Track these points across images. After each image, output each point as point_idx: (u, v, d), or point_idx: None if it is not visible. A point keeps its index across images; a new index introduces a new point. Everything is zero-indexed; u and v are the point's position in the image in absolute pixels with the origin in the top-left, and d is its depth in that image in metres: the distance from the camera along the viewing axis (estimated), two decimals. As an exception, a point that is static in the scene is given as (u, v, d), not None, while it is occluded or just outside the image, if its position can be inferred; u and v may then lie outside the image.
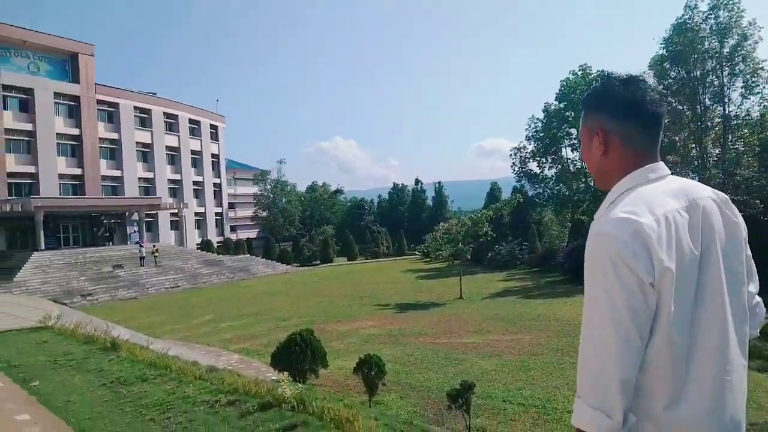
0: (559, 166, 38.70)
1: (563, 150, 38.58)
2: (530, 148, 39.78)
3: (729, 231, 1.41)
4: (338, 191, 75.84)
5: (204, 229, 51.05)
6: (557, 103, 38.14)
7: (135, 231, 40.35)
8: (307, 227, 62.20)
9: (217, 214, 53.82)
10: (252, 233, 58.91)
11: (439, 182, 57.33)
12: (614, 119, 1.44)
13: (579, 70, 37.73)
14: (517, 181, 41.65)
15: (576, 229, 28.55)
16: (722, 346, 1.35)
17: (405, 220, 57.49)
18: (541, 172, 38.97)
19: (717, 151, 30.03)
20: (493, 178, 53.70)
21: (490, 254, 32.61)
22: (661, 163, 1.43)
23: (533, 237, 33.65)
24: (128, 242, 39.87)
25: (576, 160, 38.34)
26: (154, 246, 35.81)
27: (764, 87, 27.51)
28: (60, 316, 9.44)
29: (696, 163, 30.35)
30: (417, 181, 60.22)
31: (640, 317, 1.25)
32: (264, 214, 59.01)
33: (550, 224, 42.76)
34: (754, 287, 1.49)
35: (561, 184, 39.16)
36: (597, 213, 1.40)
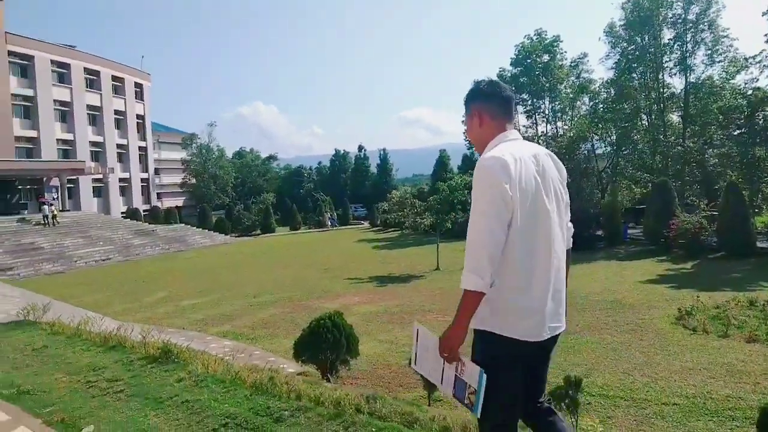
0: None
1: (517, 117, 37.89)
2: (482, 114, 38.84)
3: (559, 173, 2.32)
4: (271, 157, 72.47)
5: (129, 196, 46.93)
6: (512, 68, 37.19)
7: (55, 198, 36.17)
8: (239, 195, 58.98)
9: (143, 180, 49.66)
10: (179, 201, 55.10)
11: (384, 149, 55.55)
12: (487, 102, 2.33)
13: (534, 35, 36.84)
14: (468, 149, 40.70)
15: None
16: (556, 245, 2.21)
17: (347, 188, 55.53)
18: (496, 139, 38.11)
19: (678, 119, 30.25)
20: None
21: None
22: (515, 130, 2.32)
23: (491, 205, 32.80)
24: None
25: (529, 127, 37.84)
26: (52, 206, 32.01)
27: (726, 55, 27.62)
28: (47, 307, 7.02)
29: (656, 132, 30.33)
30: (360, 148, 58.12)
31: (502, 217, 2.05)
32: (193, 181, 55.21)
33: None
34: (568, 214, 2.41)
35: (512, 152, 38.57)
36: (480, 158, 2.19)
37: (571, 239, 2.45)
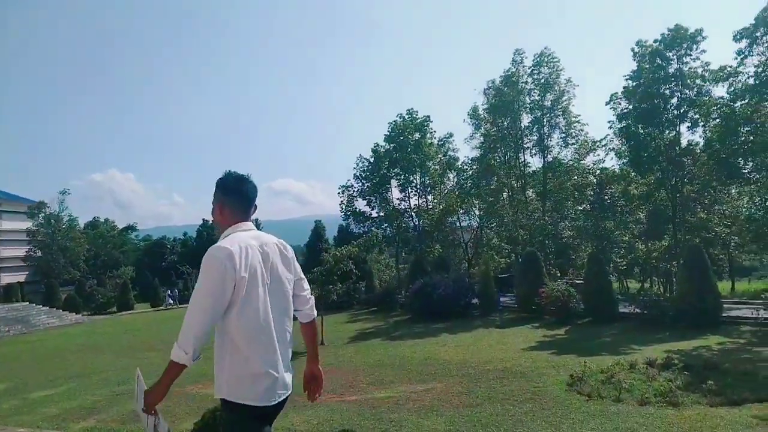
0: (386, 206, 38.92)
1: (391, 190, 39.01)
2: (357, 186, 39.54)
3: (282, 259, 2.77)
4: (130, 228, 68.00)
5: (-40, 271, 41.15)
6: (386, 144, 38.57)
7: None
8: (92, 269, 54.05)
9: (-22, 253, 43.93)
10: (21, 276, 49.19)
11: (257, 219, 54.21)
12: (228, 197, 2.74)
13: (406, 114, 38.74)
14: (344, 219, 41.00)
15: (419, 267, 28.33)
16: (280, 322, 2.65)
17: (217, 261, 52.96)
18: (372, 210, 38.82)
19: (536, 195, 32.84)
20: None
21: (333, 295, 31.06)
22: (250, 222, 2.78)
23: (369, 276, 32.82)
24: None
25: (403, 200, 39.02)
26: None
27: (578, 138, 30.79)
28: None
29: (519, 207, 32.59)
30: (231, 219, 56.30)
31: (219, 301, 2.44)
32: (39, 254, 49.69)
33: (372, 263, 42.64)
34: (305, 290, 2.98)
35: (386, 224, 39.43)
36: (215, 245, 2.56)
37: (314, 309, 3.08)
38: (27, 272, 50.23)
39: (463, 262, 38.09)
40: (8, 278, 46.78)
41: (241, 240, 2.57)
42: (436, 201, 40.16)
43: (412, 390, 12.02)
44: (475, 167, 35.54)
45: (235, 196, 2.74)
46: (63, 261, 49.13)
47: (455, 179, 39.61)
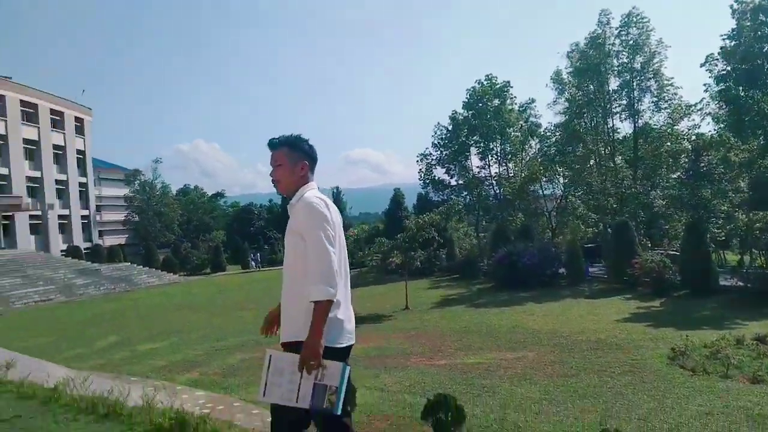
0: (465, 174, 38.44)
1: (470, 158, 38.45)
2: (435, 155, 39.24)
3: (341, 218, 2.87)
4: (219, 195, 70.92)
5: (69, 233, 44.50)
6: (464, 111, 37.89)
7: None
8: (185, 233, 57.03)
9: (83, 217, 47.32)
10: (122, 239, 52.75)
11: (337, 187, 55.41)
12: (309, 159, 2.93)
13: (485, 80, 37.80)
14: (423, 188, 40.93)
15: (501, 236, 27.92)
16: (346, 271, 2.83)
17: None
18: (451, 178, 38.52)
19: (624, 162, 31.39)
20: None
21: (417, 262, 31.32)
22: (315, 181, 2.94)
23: (450, 243, 32.72)
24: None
25: (482, 168, 38.38)
26: None
27: (671, 102, 29.02)
28: (11, 364, 5.88)
29: (608, 175, 31.28)
30: (313, 186, 57.71)
31: (334, 242, 2.60)
32: (136, 218, 53.01)
33: (452, 231, 42.44)
34: None
35: (465, 192, 39.02)
36: (293, 200, 2.79)
37: None
38: (127, 235, 53.79)
39: (546, 231, 37.18)
40: (110, 240, 50.26)
41: (321, 196, 2.80)
42: (517, 169, 39.27)
43: (501, 357, 11.97)
44: (559, 133, 34.28)
45: (315, 162, 3.01)
46: (159, 225, 52.19)
47: (538, 146, 38.45)
